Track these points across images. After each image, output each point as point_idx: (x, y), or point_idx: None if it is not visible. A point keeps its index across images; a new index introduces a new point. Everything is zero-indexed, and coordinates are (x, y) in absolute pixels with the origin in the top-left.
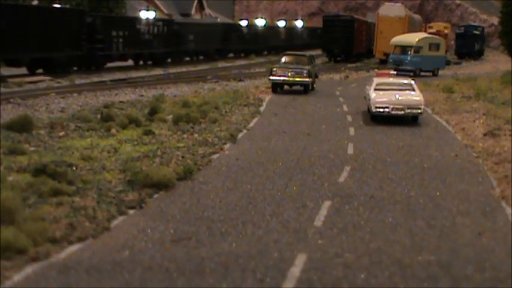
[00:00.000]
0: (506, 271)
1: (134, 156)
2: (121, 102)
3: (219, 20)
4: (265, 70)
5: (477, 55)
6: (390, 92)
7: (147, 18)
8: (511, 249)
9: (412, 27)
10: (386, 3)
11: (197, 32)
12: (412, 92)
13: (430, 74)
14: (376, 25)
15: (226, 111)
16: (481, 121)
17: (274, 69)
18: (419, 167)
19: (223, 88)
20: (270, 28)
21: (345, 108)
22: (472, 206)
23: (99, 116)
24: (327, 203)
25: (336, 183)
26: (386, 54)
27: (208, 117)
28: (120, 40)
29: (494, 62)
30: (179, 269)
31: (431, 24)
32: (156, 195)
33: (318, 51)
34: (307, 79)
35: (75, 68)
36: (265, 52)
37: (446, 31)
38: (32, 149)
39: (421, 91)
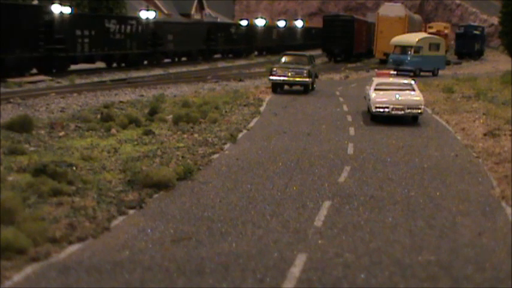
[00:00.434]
0: (506, 271)
1: (134, 156)
2: (121, 102)
3: (219, 20)
4: (265, 70)
5: (477, 55)
6: (390, 92)
7: (119, 17)
8: (511, 249)
9: (412, 27)
10: (386, 3)
11: (177, 32)
12: (412, 92)
13: (430, 74)
14: (376, 25)
15: (226, 111)
16: (481, 121)
17: (274, 69)
18: (419, 167)
19: (223, 88)
20: (262, 27)
21: (345, 108)
22: (472, 206)
23: (99, 116)
24: (327, 203)
25: (336, 183)
26: (386, 54)
27: (208, 117)
28: (86, 40)
29: (494, 62)
30: (179, 269)
31: (431, 24)
32: (156, 195)
33: (318, 51)
34: (307, 79)
35: (34, 71)
36: (256, 53)
37: (446, 31)
38: (32, 149)
39: (421, 91)
